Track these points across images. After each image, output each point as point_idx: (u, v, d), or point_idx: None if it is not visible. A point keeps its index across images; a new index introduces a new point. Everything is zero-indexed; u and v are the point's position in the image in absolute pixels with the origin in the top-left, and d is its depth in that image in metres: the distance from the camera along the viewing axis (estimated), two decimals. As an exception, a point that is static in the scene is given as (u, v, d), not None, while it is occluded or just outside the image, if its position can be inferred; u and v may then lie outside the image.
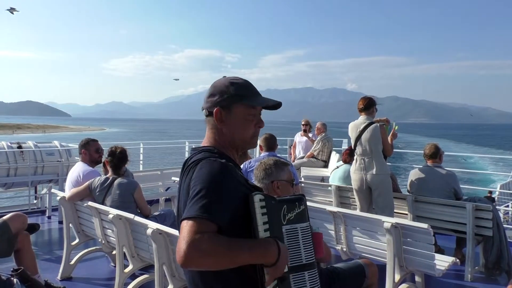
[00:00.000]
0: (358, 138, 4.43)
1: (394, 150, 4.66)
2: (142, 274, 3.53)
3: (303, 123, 8.28)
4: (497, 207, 5.61)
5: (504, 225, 4.40)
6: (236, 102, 1.49)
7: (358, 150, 4.46)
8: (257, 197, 1.38)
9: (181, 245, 1.22)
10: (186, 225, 1.25)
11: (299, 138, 8.34)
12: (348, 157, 5.34)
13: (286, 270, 1.39)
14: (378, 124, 4.41)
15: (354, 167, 4.55)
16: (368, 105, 4.50)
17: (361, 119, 4.50)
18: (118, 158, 4.00)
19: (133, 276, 3.55)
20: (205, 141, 1.56)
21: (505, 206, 10.30)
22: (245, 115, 1.50)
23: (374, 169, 4.36)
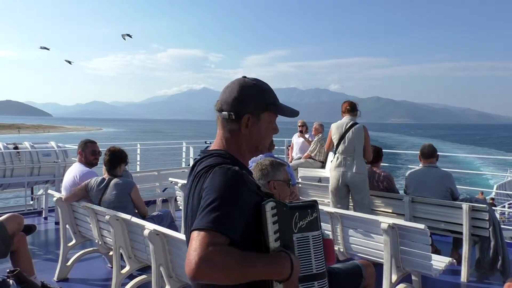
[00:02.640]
0: (342, 137, 4.63)
1: (388, 150, 4.76)
2: (139, 275, 3.52)
3: (299, 124, 8.29)
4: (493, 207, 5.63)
5: (501, 226, 4.42)
6: (265, 110, 1.49)
7: (341, 148, 4.64)
8: (269, 206, 1.33)
9: (192, 257, 1.17)
10: (198, 236, 1.21)
11: (296, 139, 8.34)
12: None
13: None
14: (363, 125, 4.63)
15: (333, 165, 4.71)
16: (353, 107, 4.77)
17: (345, 119, 4.73)
18: (114, 159, 3.99)
19: (130, 277, 3.54)
20: (217, 144, 1.51)
21: (502, 207, 10.35)
22: (270, 123, 1.52)
23: (354, 168, 4.53)
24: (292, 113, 1.56)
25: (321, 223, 3.76)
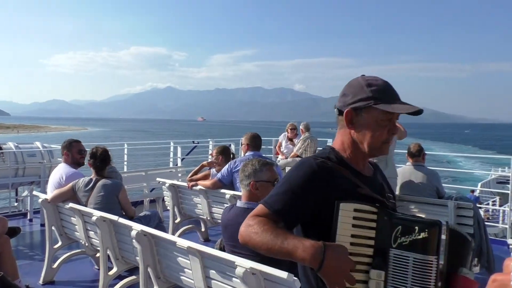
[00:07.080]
0: None
1: None
2: (127, 276, 3.50)
3: (290, 127, 8.20)
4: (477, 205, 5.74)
5: (486, 223, 4.50)
6: (370, 106, 1.36)
7: None
8: (346, 206, 1.25)
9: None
10: (257, 206, 1.39)
11: (284, 139, 8.36)
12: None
13: None
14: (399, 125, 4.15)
15: None
16: None
17: None
18: (100, 159, 3.95)
19: (118, 278, 3.51)
20: (334, 141, 1.53)
21: (486, 204, 10.55)
22: (378, 120, 1.37)
23: (388, 172, 4.10)
24: (407, 109, 1.36)
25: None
